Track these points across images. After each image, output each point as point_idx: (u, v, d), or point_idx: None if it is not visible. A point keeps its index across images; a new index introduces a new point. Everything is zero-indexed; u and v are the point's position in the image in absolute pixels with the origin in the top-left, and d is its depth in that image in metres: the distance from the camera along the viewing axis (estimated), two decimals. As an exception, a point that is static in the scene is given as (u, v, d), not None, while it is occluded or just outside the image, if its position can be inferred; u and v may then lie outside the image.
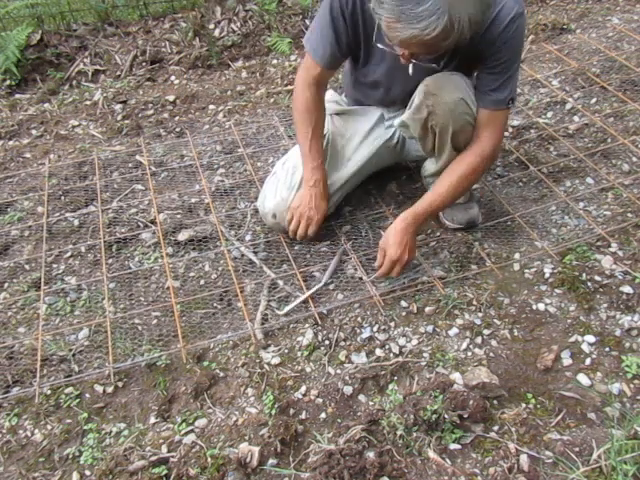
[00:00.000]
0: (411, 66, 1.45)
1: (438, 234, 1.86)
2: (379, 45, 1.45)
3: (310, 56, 1.68)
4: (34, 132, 2.56)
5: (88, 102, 2.73)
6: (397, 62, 1.47)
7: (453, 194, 1.64)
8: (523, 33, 1.52)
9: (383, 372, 1.48)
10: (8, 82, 2.82)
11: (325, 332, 1.61)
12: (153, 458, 1.33)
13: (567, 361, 1.49)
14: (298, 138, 1.77)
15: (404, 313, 1.64)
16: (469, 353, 1.52)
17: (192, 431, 1.40)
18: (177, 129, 2.49)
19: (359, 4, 1.52)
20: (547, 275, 1.71)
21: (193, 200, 2.09)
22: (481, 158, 1.61)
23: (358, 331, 1.60)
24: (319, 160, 1.74)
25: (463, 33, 1.26)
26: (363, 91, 1.87)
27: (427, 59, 1.45)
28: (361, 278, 1.74)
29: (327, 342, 1.58)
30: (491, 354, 1.52)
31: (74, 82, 2.89)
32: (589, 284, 1.66)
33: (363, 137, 1.87)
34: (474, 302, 1.64)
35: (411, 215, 1.62)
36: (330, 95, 1.95)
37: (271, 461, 1.32)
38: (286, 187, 1.80)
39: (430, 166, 1.85)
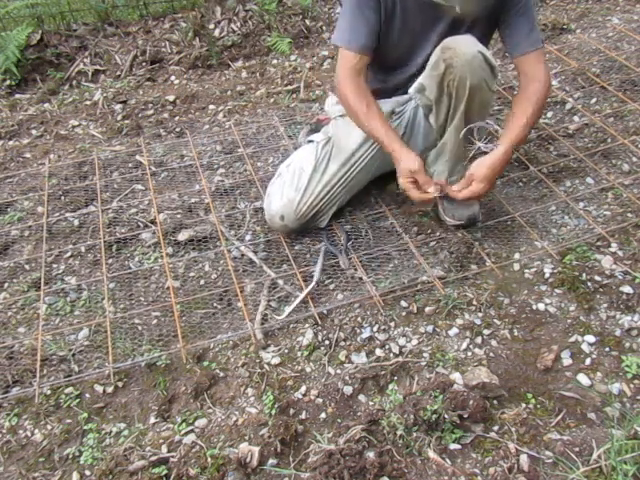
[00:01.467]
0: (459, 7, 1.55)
1: (438, 234, 1.86)
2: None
3: (346, 49, 1.69)
4: (34, 132, 2.56)
5: (88, 102, 2.73)
6: (422, 22, 1.64)
7: (533, 122, 1.68)
8: None
9: (383, 372, 1.48)
10: (8, 82, 2.82)
11: (325, 332, 1.61)
12: (153, 458, 1.33)
13: (567, 361, 1.49)
14: (365, 127, 1.71)
15: (404, 313, 1.64)
16: (469, 353, 1.52)
17: (192, 431, 1.40)
18: (177, 129, 2.49)
19: None
20: (547, 275, 1.71)
21: (193, 200, 2.09)
22: (543, 84, 1.66)
23: (358, 331, 1.60)
24: (395, 134, 1.71)
25: None
26: (382, 77, 1.87)
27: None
28: (361, 278, 1.74)
29: (327, 342, 1.58)
30: (491, 354, 1.52)
31: (74, 82, 2.89)
32: (589, 284, 1.66)
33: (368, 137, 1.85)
34: (474, 302, 1.64)
35: (504, 153, 1.63)
36: (333, 99, 1.95)
37: (271, 461, 1.32)
38: (293, 188, 1.80)
39: (434, 151, 1.83)
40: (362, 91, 1.70)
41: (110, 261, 1.88)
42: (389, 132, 1.68)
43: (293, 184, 1.80)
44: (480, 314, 1.62)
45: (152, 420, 1.44)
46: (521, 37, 1.65)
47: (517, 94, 1.73)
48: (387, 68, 1.85)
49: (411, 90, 1.78)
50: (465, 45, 1.56)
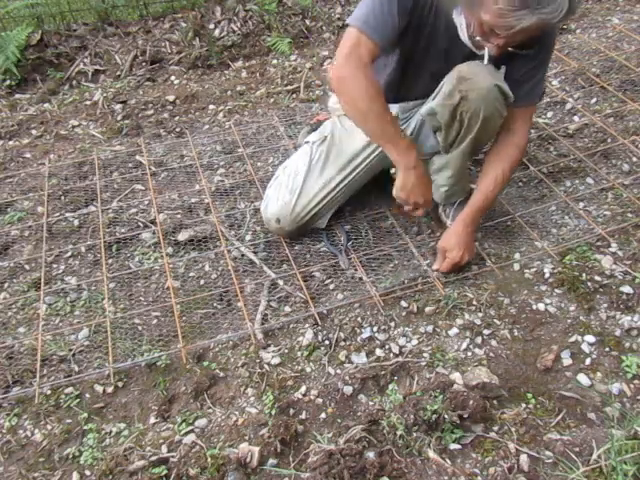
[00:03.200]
0: (487, 58, 1.48)
1: (438, 234, 1.86)
2: (465, 41, 1.46)
3: (362, 32, 1.45)
4: (34, 132, 2.56)
5: (88, 102, 2.73)
6: (446, 50, 1.54)
7: (501, 187, 1.70)
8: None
9: (383, 372, 1.48)
10: (8, 82, 2.82)
11: (325, 332, 1.61)
12: (153, 458, 1.33)
13: (567, 361, 1.49)
14: (371, 127, 1.56)
15: (404, 313, 1.64)
16: (469, 353, 1.52)
17: (192, 431, 1.40)
18: (177, 129, 2.49)
19: None
20: (547, 275, 1.71)
21: (193, 200, 2.09)
22: (519, 149, 1.67)
23: (358, 331, 1.60)
24: (408, 139, 1.62)
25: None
26: (406, 85, 1.76)
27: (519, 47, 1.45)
28: (361, 278, 1.74)
29: (327, 342, 1.58)
30: (491, 354, 1.52)
31: (74, 82, 2.89)
32: (589, 284, 1.66)
33: None
34: (474, 302, 1.64)
35: (469, 216, 1.69)
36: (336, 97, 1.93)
37: (271, 461, 1.32)
38: (288, 191, 1.79)
39: (438, 160, 1.81)
40: (367, 71, 1.47)
41: (110, 261, 1.88)
42: (393, 124, 1.54)
43: (288, 186, 1.79)
44: (480, 314, 1.62)
45: (152, 420, 1.44)
46: (524, 88, 1.58)
47: (493, 151, 1.69)
48: (411, 78, 1.74)
49: (422, 111, 1.72)
50: (482, 77, 1.51)
